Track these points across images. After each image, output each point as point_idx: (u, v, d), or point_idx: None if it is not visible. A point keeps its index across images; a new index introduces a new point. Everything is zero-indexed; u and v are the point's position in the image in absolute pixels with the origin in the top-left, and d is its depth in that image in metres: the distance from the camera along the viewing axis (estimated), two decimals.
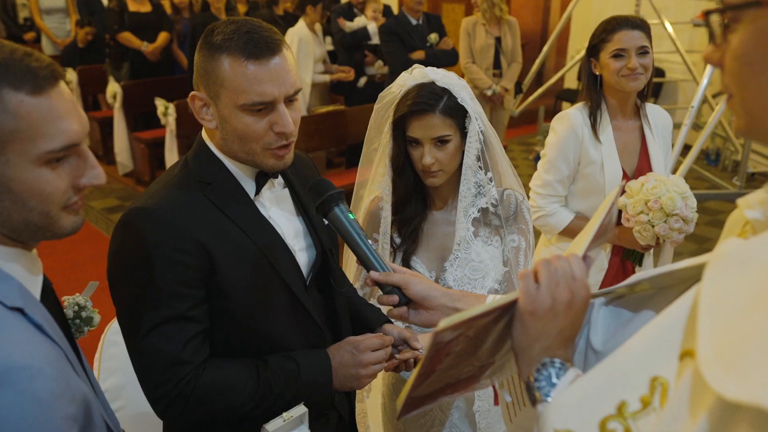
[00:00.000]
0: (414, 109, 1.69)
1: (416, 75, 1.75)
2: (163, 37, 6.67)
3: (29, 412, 0.84)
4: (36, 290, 1.01)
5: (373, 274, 1.32)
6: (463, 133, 1.74)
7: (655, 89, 7.75)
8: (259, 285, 1.40)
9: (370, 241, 1.37)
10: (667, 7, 6.53)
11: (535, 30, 9.81)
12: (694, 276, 0.90)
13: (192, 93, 1.37)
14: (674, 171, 4.66)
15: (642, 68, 2.35)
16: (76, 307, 1.27)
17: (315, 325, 1.51)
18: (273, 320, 1.43)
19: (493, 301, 0.91)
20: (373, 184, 1.92)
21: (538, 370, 0.90)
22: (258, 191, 1.44)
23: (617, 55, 2.36)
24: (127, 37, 6.52)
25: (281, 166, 1.40)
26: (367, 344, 1.48)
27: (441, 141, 1.71)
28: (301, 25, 5.88)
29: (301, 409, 1.41)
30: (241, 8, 7.67)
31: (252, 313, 1.40)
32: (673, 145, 4.62)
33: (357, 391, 1.87)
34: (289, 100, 1.35)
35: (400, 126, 1.74)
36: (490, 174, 1.79)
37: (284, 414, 1.38)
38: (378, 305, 1.89)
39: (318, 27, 6.03)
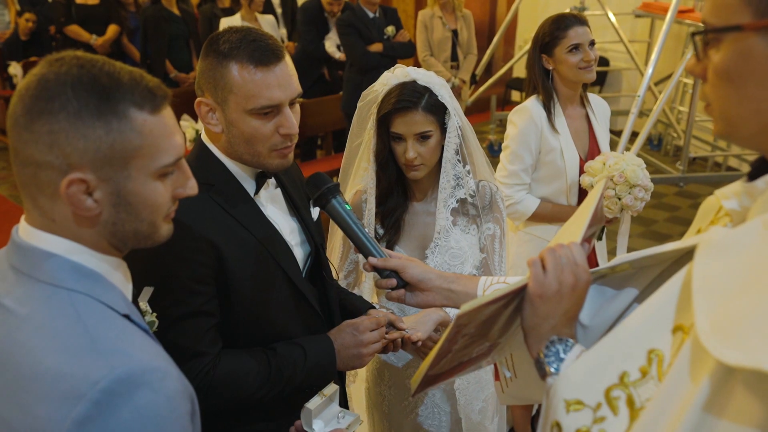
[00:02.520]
0: (398, 106, 1.78)
1: (398, 74, 1.84)
2: (112, 29, 6.53)
3: (163, 409, 0.91)
4: (129, 297, 1.08)
5: (371, 259, 1.42)
6: (443, 129, 1.85)
7: (600, 78, 8.01)
8: (264, 277, 1.48)
9: (366, 229, 1.46)
10: None
11: (483, 20, 9.97)
12: (673, 257, 1.03)
13: (198, 99, 1.42)
14: None
15: (594, 59, 2.56)
16: (140, 312, 1.32)
17: (315, 313, 1.60)
18: (277, 310, 1.52)
19: (506, 286, 1.01)
20: (356, 177, 2.01)
21: (547, 347, 1.01)
22: (257, 191, 1.51)
23: (573, 49, 2.54)
24: (75, 30, 6.37)
25: (285, 165, 1.48)
26: (365, 325, 1.59)
27: (423, 136, 1.81)
28: (236, 16, 5.87)
29: (333, 387, 1.51)
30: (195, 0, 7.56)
31: (258, 304, 1.48)
32: (620, 132, 4.86)
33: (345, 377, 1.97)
34: (291, 103, 1.43)
35: (384, 123, 1.83)
36: (468, 167, 1.90)
37: (321, 392, 1.48)
38: (366, 289, 1.99)
39: (264, 18, 5.99)
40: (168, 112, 1.03)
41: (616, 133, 5.14)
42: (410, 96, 1.79)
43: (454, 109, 1.85)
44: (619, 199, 2.48)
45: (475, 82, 6.25)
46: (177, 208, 1.34)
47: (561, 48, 2.56)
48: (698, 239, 0.92)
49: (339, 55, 5.89)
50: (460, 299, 1.35)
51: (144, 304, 1.34)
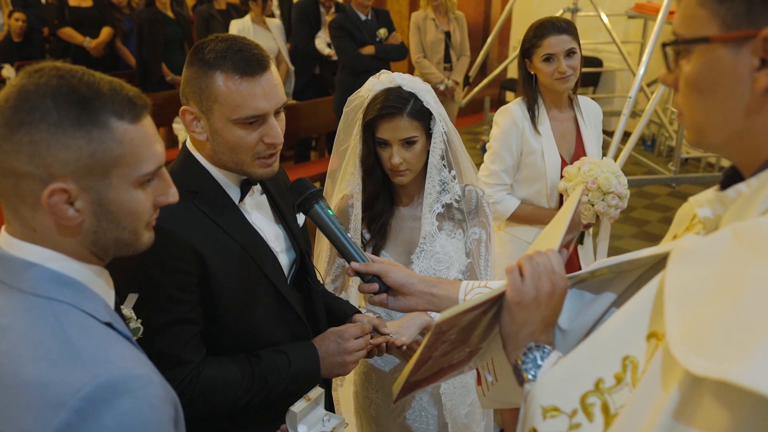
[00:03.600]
0: (383, 112, 1.79)
1: (384, 80, 1.85)
2: (106, 32, 6.53)
3: (146, 416, 0.91)
4: (112, 305, 1.08)
5: (354, 264, 1.43)
6: (429, 134, 1.86)
7: (593, 78, 8.04)
8: (248, 284, 1.48)
9: (349, 234, 1.47)
10: None
11: (478, 21, 9.99)
12: (649, 262, 1.04)
13: (183, 107, 1.43)
14: (615, 157, 4.90)
15: (571, 69, 2.56)
16: (125, 319, 1.32)
17: (299, 320, 1.61)
18: (261, 318, 1.52)
19: (485, 293, 1.02)
20: (342, 182, 2.02)
21: (525, 354, 1.02)
22: (242, 198, 1.52)
23: (547, 59, 2.55)
24: (69, 33, 6.37)
25: (270, 173, 1.48)
26: (350, 333, 1.60)
27: (408, 142, 1.82)
28: (246, 18, 5.88)
29: (318, 391, 1.51)
30: (189, 2, 7.56)
31: (242, 311, 1.48)
32: (613, 133, 4.87)
33: (332, 381, 1.97)
34: (276, 112, 1.44)
35: (369, 128, 1.84)
36: (453, 172, 1.91)
37: (306, 395, 1.48)
38: (353, 293, 2.00)
39: (273, 22, 6.00)
40: (148, 121, 1.04)
41: (609, 133, 5.17)
42: (395, 102, 1.80)
43: (440, 115, 1.86)
44: (592, 205, 2.49)
45: (468, 83, 6.27)
46: (160, 216, 1.35)
47: (537, 56, 2.58)
48: (672, 246, 0.93)
49: (328, 51, 5.90)
50: (442, 303, 1.36)
51: (128, 311, 1.35)
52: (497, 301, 1.05)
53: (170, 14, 6.18)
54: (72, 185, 0.95)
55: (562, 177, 2.59)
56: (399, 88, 1.82)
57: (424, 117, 1.83)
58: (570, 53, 2.55)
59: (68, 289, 1.00)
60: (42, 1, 7.33)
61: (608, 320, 0.95)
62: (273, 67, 1.44)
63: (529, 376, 1.00)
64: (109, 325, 1.01)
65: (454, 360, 1.14)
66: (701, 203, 0.95)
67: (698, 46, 0.84)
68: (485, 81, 7.16)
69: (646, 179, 6.03)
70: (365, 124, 1.84)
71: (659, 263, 1.00)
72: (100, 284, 1.06)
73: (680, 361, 0.74)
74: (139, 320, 1.34)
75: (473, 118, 8.65)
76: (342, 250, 1.46)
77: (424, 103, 1.82)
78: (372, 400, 2.13)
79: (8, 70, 6.78)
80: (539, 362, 1.01)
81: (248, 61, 1.37)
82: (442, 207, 1.94)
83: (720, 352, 0.70)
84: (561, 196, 2.62)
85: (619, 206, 2.52)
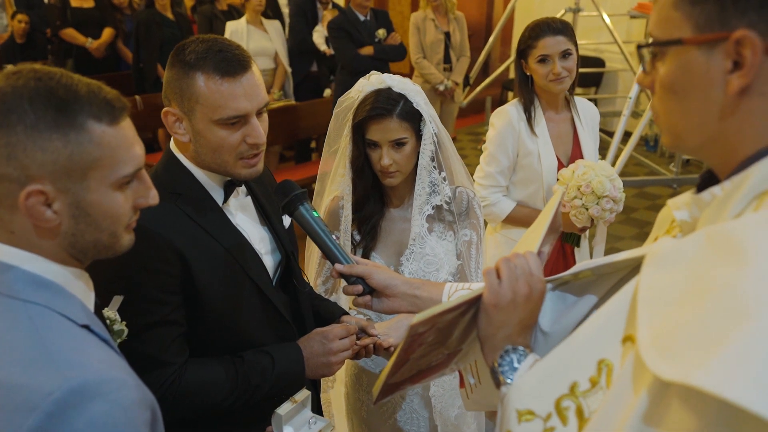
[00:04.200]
0: (372, 113, 1.79)
1: (374, 81, 1.85)
2: (107, 33, 6.55)
3: (119, 419, 0.91)
4: (91, 307, 1.08)
5: (338, 266, 1.43)
6: (419, 136, 1.85)
7: (595, 79, 8.02)
8: (232, 286, 1.48)
9: (334, 236, 1.47)
10: None
11: (480, 21, 9.99)
12: (629, 265, 1.03)
13: (165, 109, 1.43)
14: (616, 158, 4.89)
15: (566, 71, 2.54)
16: (108, 321, 1.32)
17: (285, 322, 1.61)
18: (246, 319, 1.52)
19: (461, 296, 1.02)
20: (333, 184, 2.01)
21: (502, 357, 1.01)
22: (226, 199, 1.52)
23: (542, 60, 2.54)
24: (71, 34, 6.39)
25: (254, 174, 1.48)
26: (335, 333, 1.59)
27: (398, 143, 1.81)
28: (241, 19, 5.88)
29: (304, 393, 1.52)
30: (188, 2, 7.57)
31: (226, 313, 1.48)
32: (613, 133, 4.86)
33: (321, 383, 1.97)
34: (259, 112, 1.44)
35: (359, 129, 1.84)
36: (443, 173, 1.91)
37: (292, 397, 1.49)
38: (343, 295, 2.00)
39: (271, 23, 6.00)
40: (127, 123, 1.04)
41: (611, 134, 5.15)
42: (385, 103, 1.79)
43: (430, 116, 1.85)
44: (587, 209, 2.47)
45: (468, 84, 6.26)
46: (143, 218, 1.35)
47: (532, 57, 2.57)
48: (648, 249, 0.92)
49: (325, 48, 5.90)
50: (426, 305, 1.36)
51: (113, 313, 1.35)
52: (474, 304, 1.04)
53: (170, 16, 6.19)
54: (49, 187, 0.96)
55: (558, 180, 2.58)
56: (389, 90, 1.82)
57: (413, 118, 1.83)
58: (565, 54, 2.54)
59: (45, 291, 1.00)
60: (45, 2, 7.35)
61: (584, 323, 0.94)
62: (255, 68, 1.44)
63: (506, 379, 1.00)
64: (86, 327, 1.01)
65: (434, 362, 1.14)
66: (679, 206, 0.94)
67: (672, 48, 0.83)
68: (487, 81, 7.14)
69: (648, 180, 6.01)
70: (355, 125, 1.84)
71: (639, 266, 1.00)
72: (78, 286, 1.06)
73: (648, 365, 0.73)
74: (124, 322, 1.35)
75: (475, 118, 8.64)
76: (326, 252, 1.46)
77: (414, 105, 1.82)
78: (363, 402, 2.12)
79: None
80: (515, 365, 1.01)
81: (229, 61, 1.37)
82: (432, 209, 1.93)
83: (685, 357, 0.69)
84: None
85: (614, 210, 2.50)
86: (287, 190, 1.46)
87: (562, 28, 2.56)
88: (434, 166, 1.90)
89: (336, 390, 2.20)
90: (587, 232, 2.75)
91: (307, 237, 2.11)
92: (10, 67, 1.00)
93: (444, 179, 1.91)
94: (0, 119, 0.93)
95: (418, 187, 1.89)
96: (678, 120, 0.86)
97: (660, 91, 0.88)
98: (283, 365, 1.52)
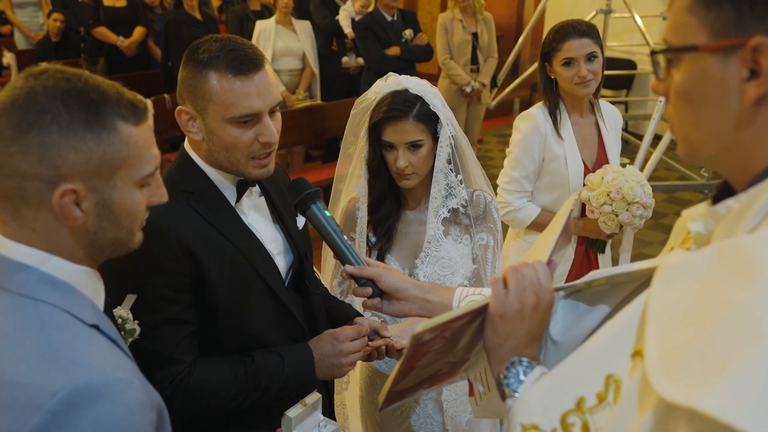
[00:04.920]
0: (389, 115, 1.78)
1: (391, 83, 1.84)
2: (139, 31, 6.65)
3: (123, 420, 0.92)
4: (101, 306, 1.10)
5: (348, 267, 1.41)
6: (435, 138, 1.83)
7: (627, 81, 7.90)
8: (243, 287, 1.48)
9: (345, 237, 1.46)
10: (637, 0, 6.65)
11: (510, 22, 9.91)
12: (644, 275, 1.00)
13: (178, 108, 1.43)
14: (645, 161, 4.80)
15: (591, 74, 2.48)
16: (120, 320, 1.31)
17: (296, 323, 1.60)
18: (257, 319, 1.52)
19: (467, 304, 1.00)
20: (350, 185, 2.01)
21: (508, 368, 0.99)
22: (238, 199, 1.52)
23: (567, 63, 2.49)
24: (103, 32, 6.49)
25: (265, 174, 1.48)
26: (346, 335, 1.58)
27: (414, 145, 1.80)
28: (271, 19, 5.91)
29: (315, 396, 1.51)
30: (215, 2, 7.64)
31: (237, 314, 1.48)
32: (643, 136, 4.76)
33: (335, 384, 1.96)
34: (272, 112, 1.44)
35: (375, 131, 1.83)
36: (460, 176, 1.89)
37: (302, 400, 1.48)
38: (354, 298, 1.99)
39: (301, 24, 6.01)
40: (147, 124, 1.07)
41: (641, 137, 5.06)
42: (401, 105, 1.78)
43: (447, 119, 1.83)
44: (616, 215, 2.42)
45: (496, 85, 6.19)
46: (154, 216, 1.37)
47: (557, 60, 2.52)
48: (660, 261, 0.89)
49: (349, 30, 5.89)
50: (436, 309, 1.34)
51: (126, 312, 1.35)
52: (481, 312, 1.02)
53: (198, 16, 6.25)
54: (80, 186, 0.97)
55: (584, 185, 2.53)
56: (406, 91, 1.80)
57: (430, 120, 1.81)
58: (591, 57, 2.48)
59: (56, 290, 1.00)
60: (79, 1, 7.48)
61: (593, 337, 0.91)
62: (267, 67, 1.44)
63: (512, 392, 0.97)
64: (95, 327, 1.02)
65: (442, 370, 1.12)
66: (694, 217, 0.91)
67: (686, 54, 0.80)
68: (515, 83, 7.06)
69: (678, 185, 5.89)
70: (371, 126, 1.83)
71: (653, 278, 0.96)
72: (90, 286, 1.07)
73: (653, 385, 0.70)
74: (136, 321, 1.35)
75: (503, 119, 8.56)
76: (337, 253, 1.44)
77: (431, 107, 1.80)
78: (377, 405, 2.11)
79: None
80: (521, 377, 0.98)
81: (242, 60, 1.38)
82: (449, 212, 1.91)
83: (692, 378, 0.66)
84: (583, 205, 2.56)
85: (644, 216, 2.45)
86: (300, 188, 1.45)
87: (588, 31, 2.51)
88: (451, 169, 1.88)
89: (351, 392, 2.19)
90: (611, 239, 2.70)
91: None
92: (34, 68, 1.01)
93: (460, 182, 1.89)
94: (33, 119, 0.95)
95: (434, 190, 1.88)
96: (692, 129, 0.83)
97: (674, 98, 0.84)
98: (293, 366, 1.52)
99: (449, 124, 1.84)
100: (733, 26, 0.75)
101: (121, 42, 6.53)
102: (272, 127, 1.43)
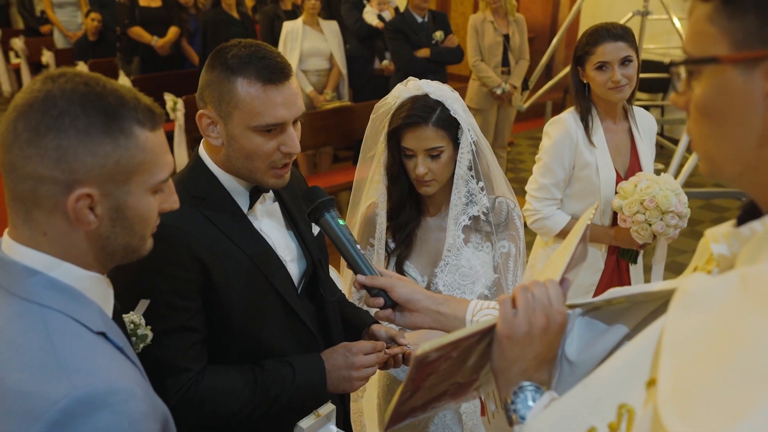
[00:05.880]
0: (408, 121, 1.74)
1: (410, 87, 1.80)
2: (173, 31, 6.72)
3: (125, 431, 0.90)
4: (109, 312, 1.09)
5: (359, 277, 1.39)
6: (456, 144, 1.79)
7: (663, 84, 7.72)
8: (253, 295, 1.46)
9: (359, 245, 1.44)
10: (675, 1, 6.48)
11: (545, 23, 9.77)
12: (666, 296, 0.95)
13: (200, 111, 1.42)
14: (680, 167, 4.67)
15: (626, 79, 2.41)
16: (132, 325, 1.30)
17: (309, 332, 1.57)
18: (268, 328, 1.50)
19: (474, 325, 0.96)
20: (370, 190, 1.98)
21: (515, 393, 0.95)
22: (251, 206, 1.50)
23: (600, 67, 2.41)
24: (138, 32, 6.58)
25: (281, 184, 1.47)
26: (360, 347, 1.55)
27: (434, 152, 1.76)
28: (298, 19, 5.91)
29: (329, 407, 1.49)
30: (249, 2, 7.69)
31: (247, 322, 1.46)
32: (679, 141, 4.63)
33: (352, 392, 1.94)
34: (294, 122, 1.43)
35: (394, 137, 1.80)
36: (481, 183, 1.84)
37: (316, 411, 1.47)
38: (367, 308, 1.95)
39: (328, 24, 6.00)
40: (162, 131, 1.07)
41: (677, 141, 4.92)
42: (421, 111, 1.74)
43: (468, 124, 1.79)
44: (650, 225, 2.34)
45: (527, 88, 6.10)
46: (163, 222, 1.35)
47: (590, 64, 2.44)
48: (679, 284, 0.84)
49: (377, 22, 5.85)
50: (449, 322, 1.30)
51: (138, 317, 1.35)
52: (489, 333, 0.98)
53: (235, 15, 6.28)
54: (95, 191, 0.97)
55: (616, 193, 2.46)
56: (426, 96, 1.76)
57: (451, 126, 1.77)
58: (625, 61, 2.40)
59: (63, 296, 1.00)
60: (116, 1, 7.60)
61: (607, 362, 0.86)
62: (294, 77, 1.43)
63: (518, 418, 0.93)
64: (102, 334, 1.01)
65: (450, 390, 1.08)
66: (717, 239, 0.85)
67: (707, 66, 0.75)
68: (548, 85, 6.95)
69: (715, 192, 5.72)
70: (390, 132, 1.80)
71: None
72: (98, 292, 1.06)
73: (663, 421, 0.66)
74: (149, 327, 1.34)
75: (535, 122, 8.44)
76: (350, 262, 1.42)
77: (452, 112, 1.76)
78: (384, 423, 2.07)
79: (82, 67, 7.09)
80: (530, 403, 0.94)
81: (272, 68, 1.37)
82: (469, 219, 1.87)
83: (705, 419, 0.62)
84: (615, 213, 2.48)
85: (679, 226, 2.37)
86: (314, 196, 1.43)
87: (623, 34, 2.42)
88: (472, 176, 1.83)
89: (368, 399, 2.16)
90: (643, 250, 2.61)
91: None
92: (52, 70, 1.01)
93: (482, 189, 1.85)
94: (51, 122, 0.94)
95: (455, 197, 1.83)
96: (714, 146, 0.78)
97: (694, 113, 0.79)
98: (303, 376, 1.49)
99: (470, 130, 1.80)
100: (757, 37, 0.70)
101: (155, 42, 6.61)
102: (295, 138, 1.42)
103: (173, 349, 1.39)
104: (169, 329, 1.38)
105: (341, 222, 1.44)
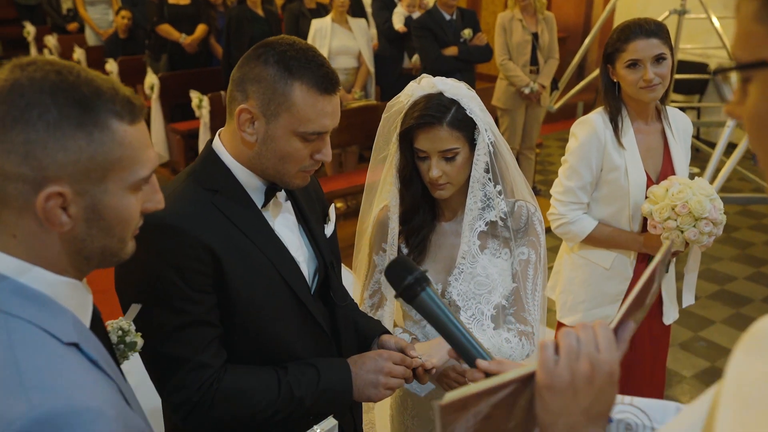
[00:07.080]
0: (421, 121, 1.65)
1: (424, 85, 1.70)
2: (201, 29, 6.72)
3: None
4: (87, 320, 1.01)
5: (481, 363, 1.18)
6: (473, 145, 1.69)
7: (700, 86, 7.49)
8: (268, 292, 1.41)
9: (465, 327, 1.25)
10: (714, 0, 6.27)
11: (578, 23, 9.56)
12: None
13: (241, 106, 1.35)
14: (717, 171, 4.49)
15: (658, 78, 2.27)
16: (120, 332, 1.24)
17: (322, 332, 1.52)
18: (282, 326, 1.45)
19: (507, 373, 0.84)
20: (382, 193, 1.89)
21: None
22: (266, 203, 1.45)
23: (632, 65, 2.28)
24: (166, 29, 6.59)
25: (302, 185, 1.47)
26: (391, 355, 1.52)
27: (448, 154, 1.66)
28: (327, 17, 5.86)
29: (331, 422, 1.42)
30: (279, 0, 7.67)
31: (261, 319, 1.41)
32: (716, 144, 4.45)
33: (364, 403, 1.86)
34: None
35: (407, 137, 1.70)
36: (499, 186, 1.74)
37: (315, 426, 1.40)
38: (387, 312, 1.86)
39: (357, 22, 5.93)
40: (143, 124, 0.98)
41: (713, 145, 4.74)
42: (435, 110, 1.64)
43: (486, 124, 1.69)
44: (682, 231, 2.20)
45: (556, 87, 5.94)
46: (175, 214, 1.29)
47: (620, 62, 2.31)
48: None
49: (400, 26, 5.78)
50: None
51: (127, 323, 1.28)
52: (528, 382, 0.85)
53: (260, 12, 6.24)
54: (68, 189, 0.89)
55: (647, 198, 2.33)
56: (440, 95, 1.66)
57: (466, 127, 1.67)
58: (659, 59, 2.26)
59: (32, 304, 0.92)
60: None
61: (667, 424, 0.75)
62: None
63: None
64: (75, 345, 0.92)
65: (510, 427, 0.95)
66: None
67: (756, 72, 0.65)
68: (579, 85, 6.77)
69: (753, 197, 5.51)
70: (402, 132, 1.70)
71: None
72: (73, 299, 0.97)
73: None
74: (139, 334, 1.28)
75: (565, 123, 8.24)
76: (458, 346, 1.23)
77: (468, 112, 1.66)
78: (407, 427, 1.99)
79: (111, 65, 7.14)
80: None
81: (329, 78, 1.37)
82: (486, 225, 1.76)
83: None
84: (645, 219, 2.35)
85: (713, 234, 2.23)
86: (403, 271, 1.26)
87: (656, 30, 2.28)
88: (489, 179, 1.73)
89: (380, 411, 2.08)
90: (675, 258, 2.48)
91: (355, 246, 2.00)
92: (22, 58, 0.93)
93: (499, 193, 1.74)
94: (18, 114, 0.87)
95: (470, 202, 1.73)
96: None
97: (748, 125, 0.68)
98: (328, 379, 1.44)
99: (488, 130, 1.69)
100: None
101: (183, 39, 6.62)
102: (330, 147, 1.43)
103: (193, 344, 1.33)
104: (186, 323, 1.33)
105: (441, 300, 1.25)
